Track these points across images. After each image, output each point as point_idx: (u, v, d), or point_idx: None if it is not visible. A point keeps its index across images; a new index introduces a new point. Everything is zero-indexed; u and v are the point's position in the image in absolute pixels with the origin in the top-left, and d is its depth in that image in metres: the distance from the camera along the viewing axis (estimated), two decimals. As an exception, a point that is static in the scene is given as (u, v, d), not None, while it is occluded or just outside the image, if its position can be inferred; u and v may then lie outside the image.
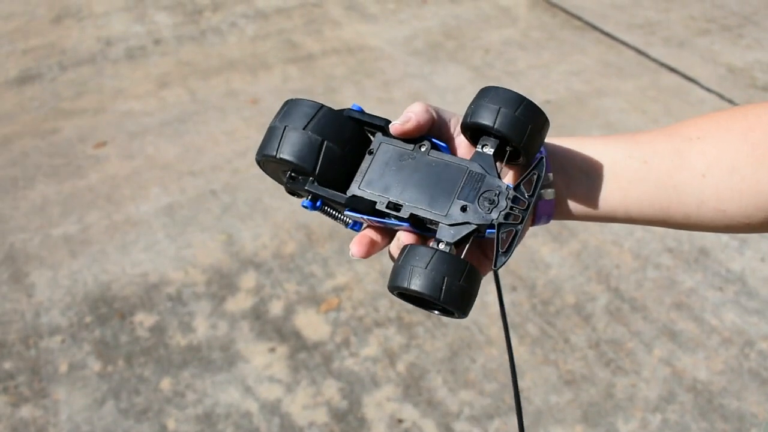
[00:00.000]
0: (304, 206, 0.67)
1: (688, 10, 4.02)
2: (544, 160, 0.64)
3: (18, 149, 3.20)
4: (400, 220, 0.65)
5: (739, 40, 3.70)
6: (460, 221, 0.64)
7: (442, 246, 0.64)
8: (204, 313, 2.34)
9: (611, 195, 0.69)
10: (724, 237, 2.51)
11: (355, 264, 2.47)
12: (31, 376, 2.18)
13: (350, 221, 0.69)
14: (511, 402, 2.03)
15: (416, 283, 0.62)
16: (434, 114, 0.68)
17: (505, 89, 0.66)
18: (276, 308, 2.34)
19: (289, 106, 0.68)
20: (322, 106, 0.67)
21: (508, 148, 0.66)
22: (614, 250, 2.48)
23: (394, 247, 0.68)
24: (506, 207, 0.64)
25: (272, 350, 2.21)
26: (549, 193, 0.67)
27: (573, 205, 0.70)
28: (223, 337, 2.26)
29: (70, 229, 2.72)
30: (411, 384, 2.09)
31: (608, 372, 2.09)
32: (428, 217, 0.65)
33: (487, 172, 0.65)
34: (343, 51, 3.82)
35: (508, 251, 0.62)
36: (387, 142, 0.68)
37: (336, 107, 0.69)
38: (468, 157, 0.68)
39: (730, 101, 3.22)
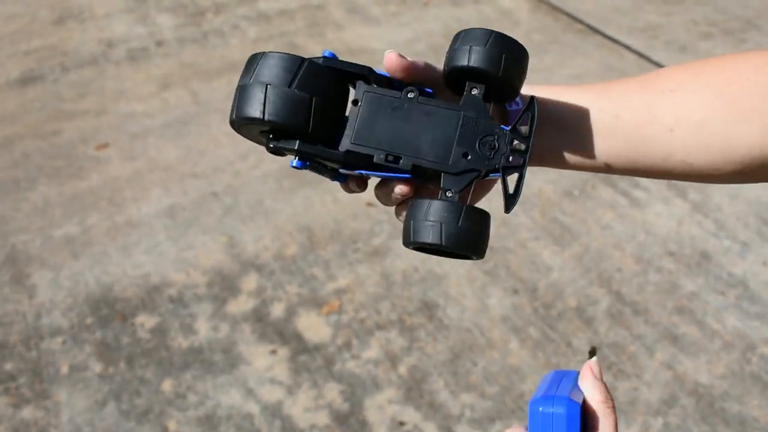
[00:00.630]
0: (294, 166, 0.63)
1: (690, 14, 4.03)
2: (535, 100, 0.63)
3: (19, 150, 3.20)
4: (401, 173, 0.64)
5: (741, 45, 3.70)
6: (465, 169, 0.63)
7: (449, 195, 0.63)
8: (205, 314, 2.34)
9: (580, 147, 0.69)
10: (726, 241, 2.51)
11: (356, 266, 2.47)
12: (32, 377, 2.18)
13: (334, 175, 0.67)
14: (513, 405, 2.03)
15: (439, 238, 0.61)
16: (431, 67, 0.67)
17: (473, 29, 0.65)
18: (277, 310, 2.34)
19: (264, 61, 0.63)
20: (303, 59, 0.63)
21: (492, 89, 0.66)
22: (616, 253, 2.48)
23: (389, 196, 0.67)
24: (507, 150, 0.63)
25: (273, 352, 2.21)
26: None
27: (542, 156, 0.71)
28: (224, 339, 2.26)
29: (71, 230, 2.72)
30: (412, 386, 2.09)
31: (610, 375, 2.09)
32: (432, 167, 0.63)
33: (480, 115, 0.64)
34: (344, 53, 3.82)
35: (516, 193, 0.62)
36: (371, 90, 0.64)
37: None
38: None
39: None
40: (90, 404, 2.09)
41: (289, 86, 0.61)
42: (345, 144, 0.63)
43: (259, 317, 2.32)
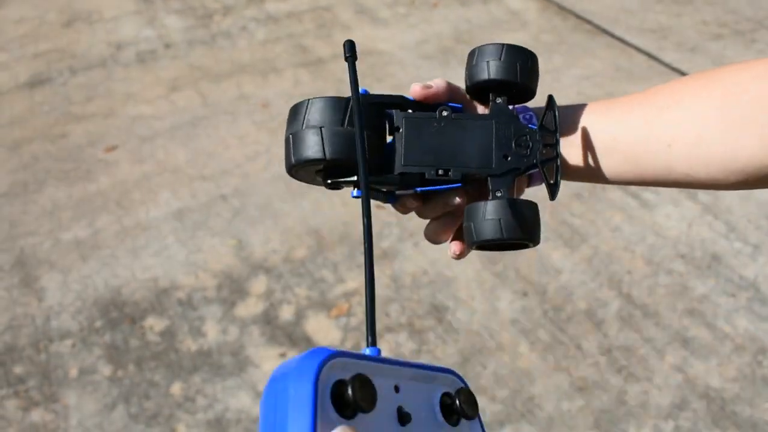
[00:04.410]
0: (355, 197, 0.67)
1: (701, 14, 4.01)
2: (554, 97, 0.70)
3: (28, 153, 3.21)
4: (452, 183, 0.69)
5: (752, 45, 3.68)
6: (508, 169, 0.69)
7: (499, 194, 0.69)
8: (214, 317, 2.34)
9: (584, 164, 0.73)
10: (737, 243, 2.49)
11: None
12: (42, 380, 2.18)
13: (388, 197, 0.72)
14: (522, 408, 2.02)
15: (500, 232, 0.66)
16: (453, 85, 0.73)
17: (486, 45, 0.72)
18: (286, 313, 2.34)
19: (311, 107, 0.68)
20: (347, 99, 0.67)
21: (514, 93, 0.72)
22: (626, 255, 2.47)
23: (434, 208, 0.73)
24: (540, 146, 0.69)
25: (282, 355, 2.21)
26: None
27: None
28: (233, 342, 2.26)
29: (80, 233, 2.72)
30: (422, 390, 2.08)
31: (620, 378, 2.08)
32: (479, 173, 0.69)
33: (510, 120, 0.70)
34: (353, 55, 3.81)
35: (557, 182, 0.68)
36: (408, 115, 0.70)
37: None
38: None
39: (743, 106, 3.20)
40: (99, 407, 2.09)
41: (342, 125, 0.66)
42: (397, 167, 0.69)
43: (268, 320, 2.32)
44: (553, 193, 0.69)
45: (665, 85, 0.72)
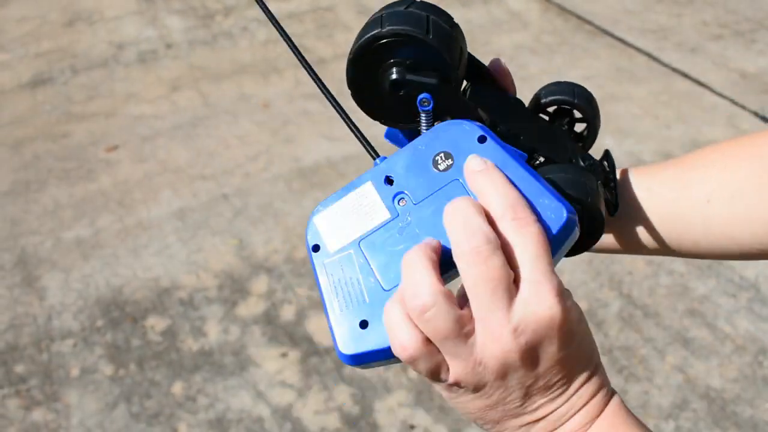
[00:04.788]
0: (422, 99, 0.59)
1: (701, 15, 4.01)
2: (610, 151, 0.71)
3: (30, 153, 3.21)
4: (521, 150, 0.63)
5: (752, 46, 3.69)
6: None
7: None
8: (216, 317, 2.34)
9: (620, 225, 0.71)
10: (738, 243, 2.50)
11: (366, 269, 2.47)
12: (43, 379, 2.18)
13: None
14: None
15: (587, 194, 0.61)
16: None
17: (574, 82, 0.73)
18: (288, 313, 2.34)
19: (420, 2, 0.61)
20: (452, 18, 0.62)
21: (576, 128, 0.72)
22: (626, 256, 2.47)
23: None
24: (602, 174, 0.68)
25: (284, 355, 2.21)
26: None
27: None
28: (234, 341, 2.26)
29: (81, 232, 2.72)
30: (423, 389, 2.09)
31: (621, 379, 2.08)
32: (548, 156, 0.66)
33: (573, 142, 0.69)
34: (354, 55, 3.81)
35: (616, 203, 0.68)
36: (484, 84, 0.65)
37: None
38: None
39: (743, 106, 3.21)
40: (100, 406, 2.10)
41: (450, 27, 0.60)
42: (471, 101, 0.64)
43: (269, 320, 2.32)
44: (614, 209, 0.68)
45: (698, 149, 0.72)
